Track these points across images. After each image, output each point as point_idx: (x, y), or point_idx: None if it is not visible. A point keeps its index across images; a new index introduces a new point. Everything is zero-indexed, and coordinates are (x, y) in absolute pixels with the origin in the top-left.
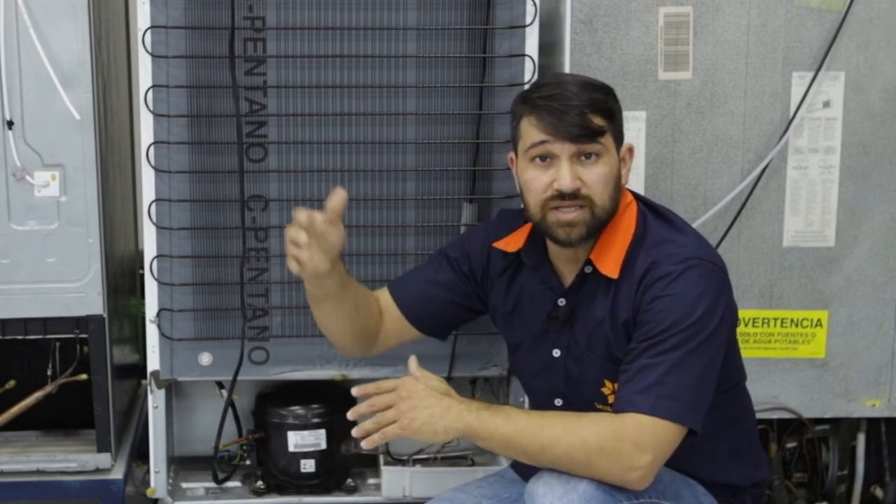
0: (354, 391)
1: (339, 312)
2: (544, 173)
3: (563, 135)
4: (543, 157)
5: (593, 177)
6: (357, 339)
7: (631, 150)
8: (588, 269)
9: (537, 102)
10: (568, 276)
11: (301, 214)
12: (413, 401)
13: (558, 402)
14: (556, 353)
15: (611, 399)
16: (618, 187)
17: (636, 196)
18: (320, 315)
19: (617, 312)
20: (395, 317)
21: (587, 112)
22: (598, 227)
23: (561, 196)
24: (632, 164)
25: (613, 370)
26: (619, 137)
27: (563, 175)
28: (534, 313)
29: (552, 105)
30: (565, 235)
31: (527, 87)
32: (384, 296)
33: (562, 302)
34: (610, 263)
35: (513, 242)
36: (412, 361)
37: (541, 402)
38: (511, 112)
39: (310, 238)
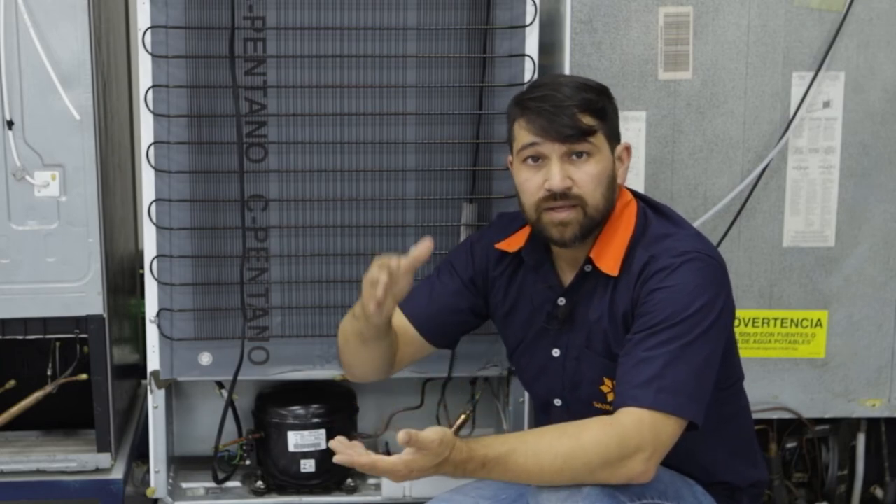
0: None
1: (378, 350)
2: (536, 174)
3: (552, 136)
4: (535, 159)
5: (584, 176)
6: (382, 370)
7: (628, 149)
8: (588, 268)
9: (528, 104)
10: (568, 275)
11: (385, 258)
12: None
13: (557, 402)
14: (556, 352)
15: (610, 397)
16: (612, 186)
17: (636, 194)
18: (359, 351)
19: (615, 309)
20: (410, 337)
21: (577, 112)
22: (591, 227)
23: (553, 196)
24: (629, 163)
25: (612, 367)
26: (613, 136)
27: (554, 175)
28: (533, 313)
29: (542, 107)
30: (559, 235)
31: (526, 87)
32: (397, 318)
33: (562, 301)
34: (610, 261)
35: (514, 243)
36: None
37: (540, 403)
38: (506, 115)
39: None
